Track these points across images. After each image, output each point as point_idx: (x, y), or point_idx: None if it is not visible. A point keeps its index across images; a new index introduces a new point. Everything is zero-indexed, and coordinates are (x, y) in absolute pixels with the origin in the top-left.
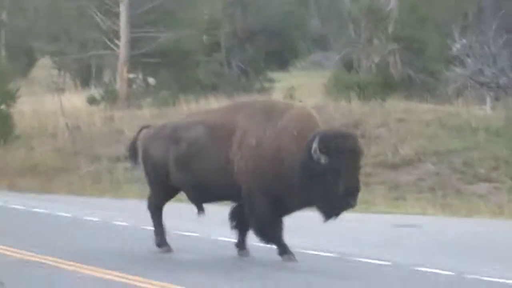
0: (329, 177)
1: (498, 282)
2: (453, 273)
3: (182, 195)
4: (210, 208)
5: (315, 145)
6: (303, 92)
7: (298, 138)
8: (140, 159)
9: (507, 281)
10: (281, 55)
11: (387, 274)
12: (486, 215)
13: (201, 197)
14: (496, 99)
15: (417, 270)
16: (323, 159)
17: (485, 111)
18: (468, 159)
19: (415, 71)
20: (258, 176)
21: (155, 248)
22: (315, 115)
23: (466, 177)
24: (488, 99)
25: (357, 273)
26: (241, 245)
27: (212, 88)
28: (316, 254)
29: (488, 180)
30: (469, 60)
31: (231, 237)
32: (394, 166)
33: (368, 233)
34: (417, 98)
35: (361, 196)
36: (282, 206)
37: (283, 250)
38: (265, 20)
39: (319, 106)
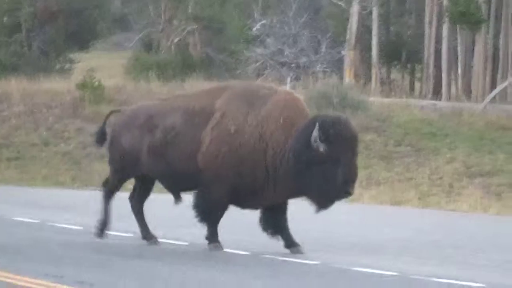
0: (327, 165)
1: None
2: (249, 253)
3: None
4: None
5: (316, 133)
6: (103, 72)
7: (285, 125)
8: (107, 144)
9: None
10: (82, 36)
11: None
12: None
13: (177, 185)
14: (296, 78)
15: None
16: (322, 147)
17: None
18: None
19: (215, 51)
20: (231, 164)
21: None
22: (301, 101)
23: None
24: (288, 79)
25: (153, 253)
26: (289, 243)
27: (13, 69)
28: (116, 235)
29: None
30: (269, 40)
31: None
32: None
33: (166, 214)
34: (217, 78)
35: None
36: (253, 197)
37: (213, 237)
38: (66, 0)
39: (118, 87)
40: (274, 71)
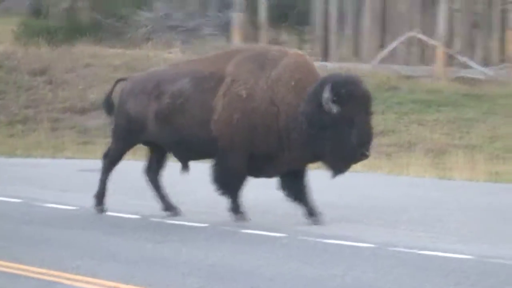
0: (341, 127)
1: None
2: (140, 216)
3: None
4: None
5: (326, 94)
6: None
7: (296, 88)
8: (115, 114)
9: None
10: None
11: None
12: (174, 159)
13: (185, 153)
14: (185, 42)
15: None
16: (334, 109)
17: (174, 55)
18: None
19: (104, 16)
20: (244, 130)
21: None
22: (312, 63)
23: None
24: (177, 43)
25: (42, 218)
26: (312, 212)
27: None
28: (3, 200)
29: None
30: (158, 4)
31: None
32: (82, 111)
33: (56, 178)
34: (106, 43)
35: (48, 141)
36: (268, 164)
37: (236, 208)
38: None
39: (8, 53)
40: (163, 35)
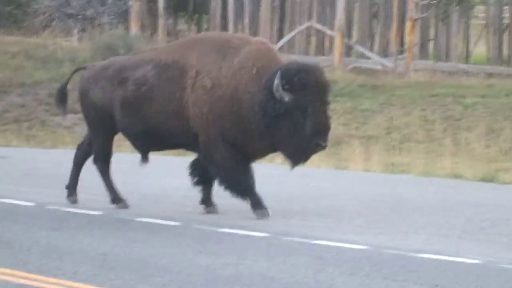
0: (294, 116)
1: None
2: (34, 204)
3: None
4: None
5: (277, 81)
6: None
7: (258, 76)
8: (80, 105)
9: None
10: None
11: None
12: (71, 145)
13: (149, 144)
14: (83, 30)
15: None
16: (286, 97)
17: (72, 43)
18: (52, 90)
19: (2, 3)
20: (215, 121)
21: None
22: (275, 51)
23: (52, 108)
24: (75, 31)
25: None
26: (207, 201)
27: None
28: None
29: (73, 111)
30: None
31: None
32: None
33: None
34: (4, 30)
35: None
36: (244, 153)
37: (256, 202)
38: None
39: None
40: (61, 22)
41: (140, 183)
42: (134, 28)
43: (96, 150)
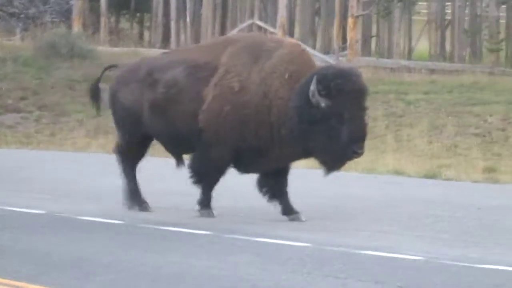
0: (331, 122)
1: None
2: None
3: None
4: None
5: (313, 87)
6: None
7: (290, 81)
8: (108, 105)
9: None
10: None
11: None
12: (14, 145)
13: (181, 147)
14: (25, 29)
15: None
16: (323, 103)
17: (15, 42)
18: None
19: None
20: (233, 124)
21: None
22: (309, 54)
23: None
24: (17, 30)
25: None
26: (288, 211)
27: None
28: None
29: (16, 110)
30: None
31: None
32: None
33: None
34: None
35: None
36: (258, 159)
37: (205, 201)
38: None
39: None
40: (3, 22)
41: (83, 182)
42: (76, 27)
43: (125, 151)
